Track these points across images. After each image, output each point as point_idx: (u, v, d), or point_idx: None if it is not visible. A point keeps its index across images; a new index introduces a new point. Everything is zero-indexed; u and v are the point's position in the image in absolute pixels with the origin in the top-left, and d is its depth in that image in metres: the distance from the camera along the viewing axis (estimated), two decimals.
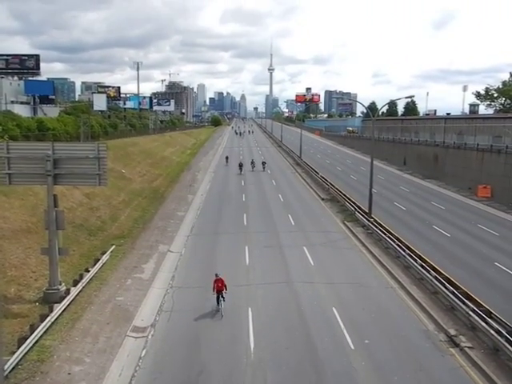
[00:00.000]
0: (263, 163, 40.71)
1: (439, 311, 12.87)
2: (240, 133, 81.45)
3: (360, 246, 19.29)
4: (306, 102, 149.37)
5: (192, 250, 18.61)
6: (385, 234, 19.39)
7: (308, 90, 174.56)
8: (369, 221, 21.83)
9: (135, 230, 20.94)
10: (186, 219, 23.66)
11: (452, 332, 11.66)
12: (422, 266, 15.35)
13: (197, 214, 25.11)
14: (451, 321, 12.26)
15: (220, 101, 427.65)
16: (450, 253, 18.07)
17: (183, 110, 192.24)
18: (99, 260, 15.87)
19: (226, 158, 45.13)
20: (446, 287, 13.44)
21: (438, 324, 12.21)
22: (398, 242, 18.13)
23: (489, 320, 11.38)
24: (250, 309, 12.72)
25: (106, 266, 15.97)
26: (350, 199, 27.12)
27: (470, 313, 11.87)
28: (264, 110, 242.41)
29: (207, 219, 23.79)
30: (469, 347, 11.01)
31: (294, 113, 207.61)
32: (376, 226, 20.75)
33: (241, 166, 39.38)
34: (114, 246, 17.86)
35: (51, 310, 11.94)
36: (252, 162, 40.80)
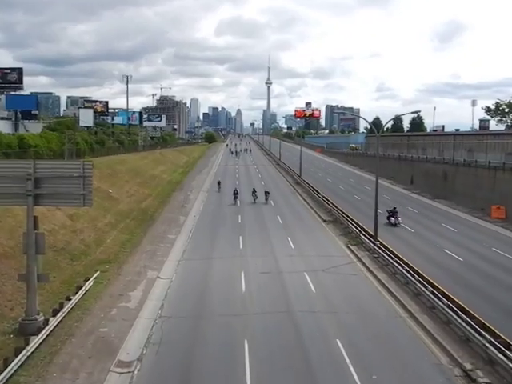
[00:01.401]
0: (266, 193, 35.29)
1: (453, 343, 12.59)
2: (236, 152, 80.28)
3: (365, 272, 19.19)
4: (306, 118, 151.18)
5: (183, 276, 18.45)
6: (392, 259, 19.32)
7: (308, 104, 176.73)
8: (374, 244, 21.79)
9: (122, 255, 20.80)
10: (177, 243, 23.59)
11: (468, 366, 11.43)
12: (433, 294, 15.23)
13: (189, 236, 25.05)
14: (466, 353, 12.01)
15: (215, 116, 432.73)
16: (463, 278, 17.82)
17: (175, 126, 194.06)
18: (82, 287, 15.68)
19: (218, 183, 41.22)
20: (459, 316, 13.24)
21: (452, 357, 11.91)
22: (406, 267, 18.05)
23: (508, 352, 11.08)
24: (246, 341, 12.48)
25: (90, 293, 15.77)
26: (353, 221, 27.15)
27: (487, 345, 11.62)
28: (261, 126, 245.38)
29: (200, 242, 23.73)
30: (487, 383, 10.77)
31: (294, 129, 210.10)
32: (382, 250, 20.69)
33: (236, 194, 35.03)
34: (98, 272, 17.69)
35: (27, 343, 11.64)
36: (253, 192, 35.53)
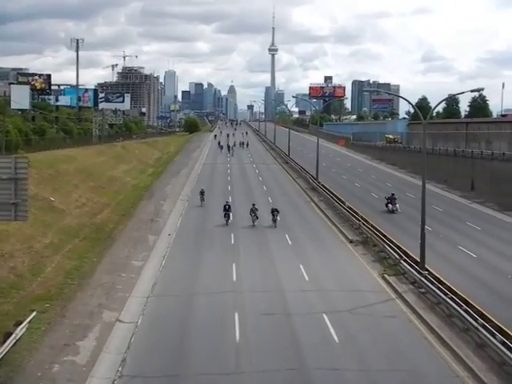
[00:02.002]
0: (274, 212, 32.29)
1: None
2: (228, 146, 79.81)
3: (409, 313, 19.13)
4: (325, 98, 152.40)
5: (154, 319, 18.42)
6: (446, 295, 19.25)
7: (328, 79, 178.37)
8: (421, 274, 21.74)
9: (67, 289, 20.75)
10: (146, 272, 23.60)
11: None
12: (504, 344, 15.12)
13: (161, 263, 25.07)
14: None
15: (198, 95, 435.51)
16: None
17: (143, 110, 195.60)
18: (11, 334, 15.53)
19: (201, 192, 39.41)
20: None
21: None
22: (466, 307, 17.97)
23: None
24: None
25: (22, 343, 15.59)
26: (392, 242, 27.17)
27: None
28: (263, 109, 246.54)
29: (177, 272, 23.81)
30: None
31: (308, 113, 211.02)
32: (432, 283, 20.63)
33: (227, 210, 32.86)
34: (34, 313, 17.56)
35: None
36: (253, 210, 32.47)
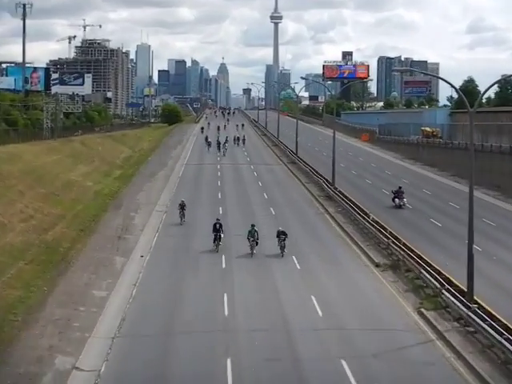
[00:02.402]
0: (280, 236, 30.95)
1: None
2: (219, 144, 79.49)
3: (453, 359, 19.03)
4: (344, 80, 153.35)
5: (121, 367, 18.38)
6: (501, 335, 19.09)
7: (347, 56, 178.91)
8: (469, 308, 21.62)
9: (8, 327, 20.62)
10: (111, 305, 23.56)
11: None
12: None
13: (132, 293, 25.01)
14: None
15: (180, 76, 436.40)
16: None
17: (109, 94, 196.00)
18: None
19: (181, 206, 38.23)
20: None
21: None
22: None
23: None
24: None
25: None
26: (430, 265, 27.11)
27: None
28: (263, 95, 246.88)
29: (152, 305, 23.79)
30: None
31: (321, 99, 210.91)
32: (484, 319, 20.51)
33: (218, 230, 31.80)
34: None
35: None
36: (251, 233, 31.03)
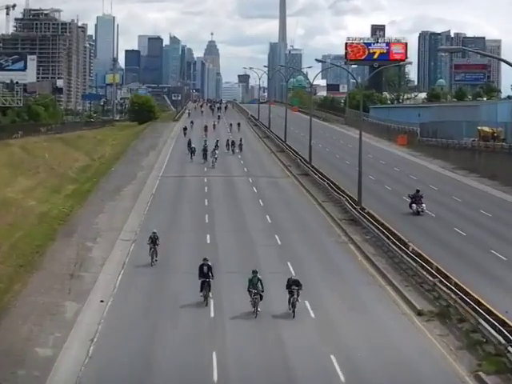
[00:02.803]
0: (292, 288, 29.32)
1: None
2: (205, 151, 78.42)
3: None
4: (374, 62, 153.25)
5: None
6: None
7: (378, 31, 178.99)
8: None
9: None
10: (59, 368, 23.43)
11: None
12: None
13: (88, 352, 24.90)
14: None
15: (154, 59, 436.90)
16: None
17: (59, 83, 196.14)
18: None
19: (152, 239, 37.24)
20: None
21: None
22: None
23: None
24: None
25: None
26: (491, 313, 27.07)
27: None
28: (266, 83, 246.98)
29: (115, 368, 23.67)
30: None
31: (343, 89, 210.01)
32: None
33: (206, 274, 30.88)
34: None
35: None
36: (253, 284, 29.53)
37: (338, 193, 55.15)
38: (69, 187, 60.71)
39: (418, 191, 49.95)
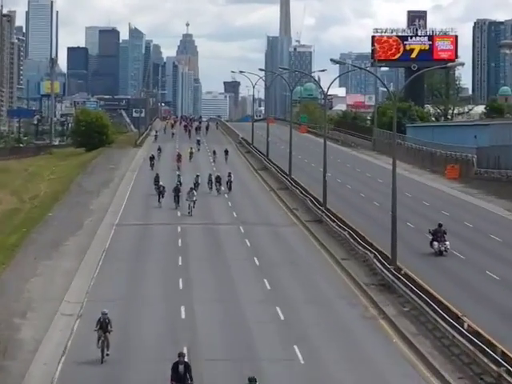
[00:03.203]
0: None
1: None
2: (177, 193, 77.14)
3: None
4: (412, 64, 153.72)
5: None
6: None
7: (417, 19, 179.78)
8: None
9: None
10: None
11: None
12: None
13: None
14: None
15: (108, 60, 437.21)
16: None
17: None
18: None
19: (100, 323, 36.23)
20: None
21: None
22: None
23: None
24: None
25: None
26: None
27: None
28: (262, 93, 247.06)
29: None
30: None
31: (369, 100, 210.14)
32: None
33: (182, 377, 29.93)
34: None
35: None
36: None
37: (363, 247, 55.10)
38: None
39: (440, 225, 54.75)
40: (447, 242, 53.10)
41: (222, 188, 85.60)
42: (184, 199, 75.73)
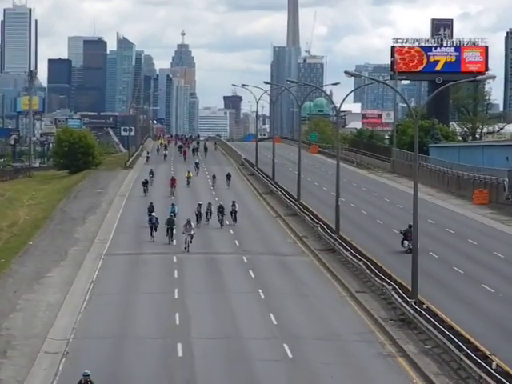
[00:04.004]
0: None
1: None
2: (170, 225, 73.84)
3: None
4: (437, 77, 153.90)
5: None
6: None
7: (441, 28, 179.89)
8: None
9: None
10: None
11: None
12: None
13: None
14: None
15: (94, 72, 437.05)
16: None
17: None
18: None
19: None
20: None
21: None
22: None
23: None
24: None
25: None
26: None
27: None
28: (267, 110, 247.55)
29: None
30: None
31: (387, 117, 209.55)
32: None
33: None
34: None
35: None
36: None
37: (380, 278, 55.28)
38: None
39: (410, 226, 59.77)
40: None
41: (227, 222, 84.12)
42: (180, 232, 73.09)
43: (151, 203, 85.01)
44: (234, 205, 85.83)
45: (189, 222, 72.76)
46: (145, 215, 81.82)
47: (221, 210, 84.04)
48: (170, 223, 74.63)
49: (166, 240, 73.76)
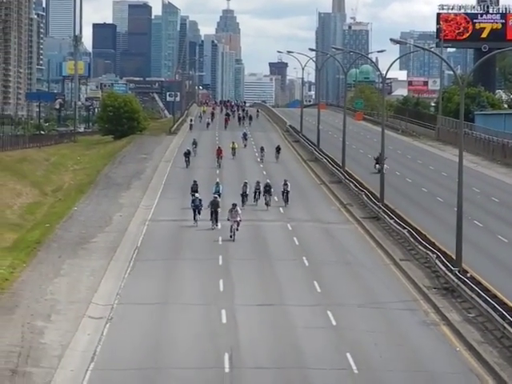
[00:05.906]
0: None
1: None
2: (215, 207, 66.70)
3: None
4: (483, 44, 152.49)
5: None
6: None
7: None
8: None
9: None
10: None
11: None
12: None
13: None
14: None
15: (139, 38, 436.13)
16: None
17: None
18: None
19: None
20: None
21: None
22: None
23: None
24: None
25: None
26: None
27: None
28: (312, 77, 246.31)
29: None
30: None
31: (434, 85, 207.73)
32: None
33: None
34: None
35: None
36: None
37: (424, 247, 55.18)
38: (7, 237, 61.24)
39: (380, 154, 76.97)
40: (386, 166, 69.24)
41: (275, 199, 78.70)
42: (229, 218, 64.43)
43: (195, 182, 77.41)
44: (285, 184, 79.08)
45: (234, 206, 65.11)
46: (190, 184, 77.30)
47: (267, 189, 77.77)
48: (214, 205, 67.63)
49: (210, 224, 67.43)
